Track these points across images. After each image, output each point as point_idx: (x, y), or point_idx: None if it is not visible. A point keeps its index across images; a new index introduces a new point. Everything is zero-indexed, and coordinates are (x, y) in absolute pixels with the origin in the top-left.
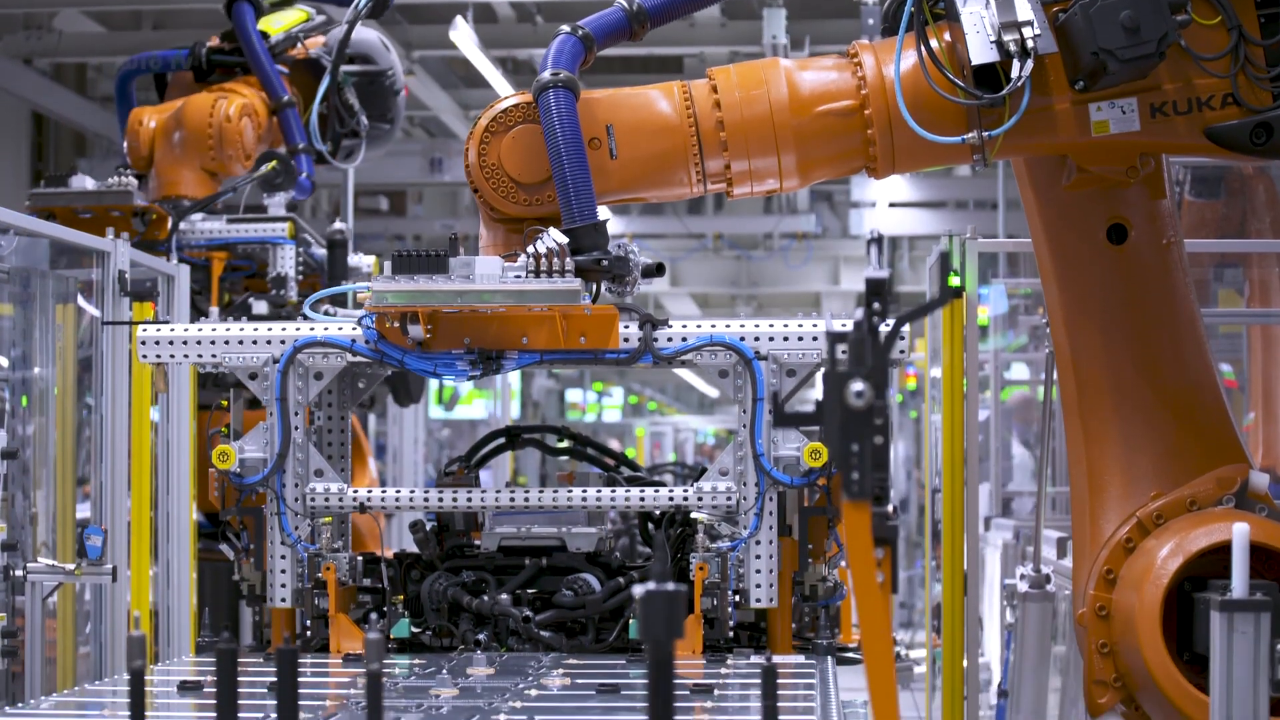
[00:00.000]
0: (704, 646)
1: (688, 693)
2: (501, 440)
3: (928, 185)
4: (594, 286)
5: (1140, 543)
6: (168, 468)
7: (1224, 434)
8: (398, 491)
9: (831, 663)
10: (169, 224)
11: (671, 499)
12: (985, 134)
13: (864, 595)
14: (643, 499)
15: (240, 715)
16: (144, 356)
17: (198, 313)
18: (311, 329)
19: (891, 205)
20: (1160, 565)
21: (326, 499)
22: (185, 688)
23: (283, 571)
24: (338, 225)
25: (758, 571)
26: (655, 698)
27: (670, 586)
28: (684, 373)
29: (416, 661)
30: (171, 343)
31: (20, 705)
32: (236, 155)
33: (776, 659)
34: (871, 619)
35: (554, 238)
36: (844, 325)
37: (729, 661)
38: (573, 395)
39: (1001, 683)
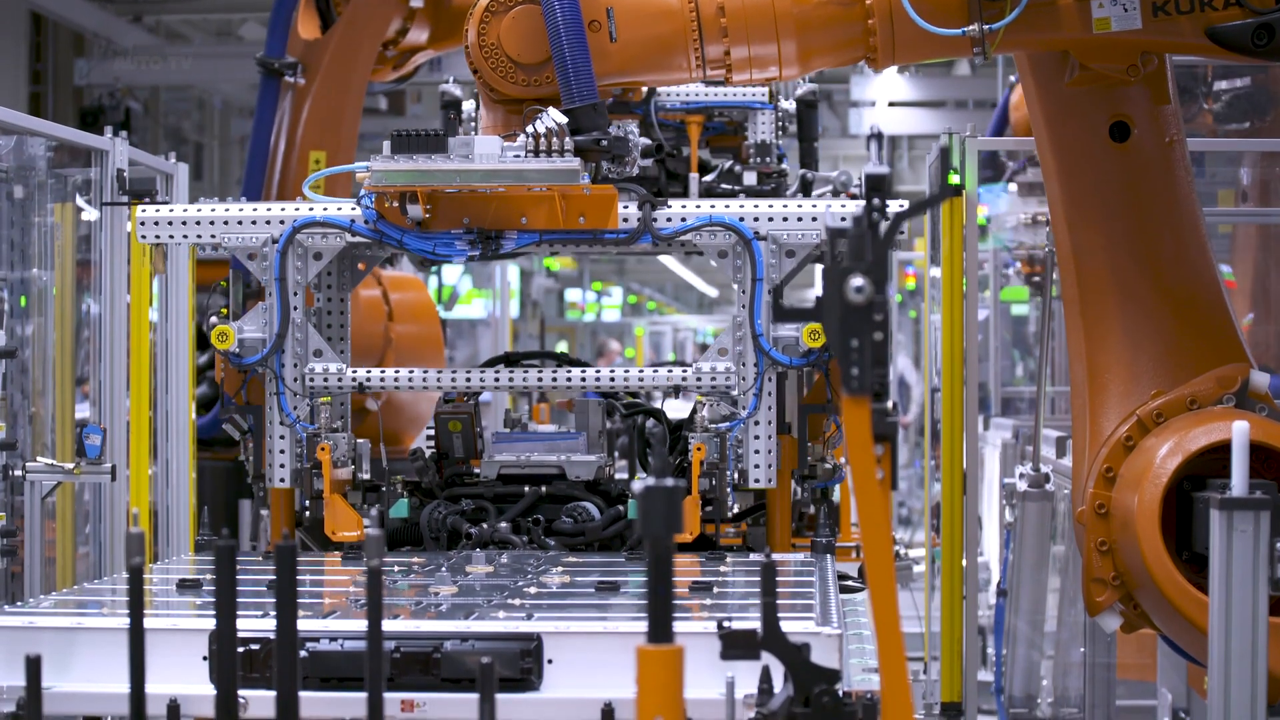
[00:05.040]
0: (701, 526)
1: (687, 590)
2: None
3: (927, 84)
4: (593, 167)
5: (1140, 441)
6: (167, 367)
7: (1225, 333)
8: (396, 373)
9: (831, 560)
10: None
11: (670, 379)
12: (986, 27)
13: (864, 492)
14: (641, 379)
15: (239, 612)
16: (143, 237)
17: (670, 176)
18: (310, 209)
19: (891, 104)
20: (1160, 464)
21: (325, 379)
22: (184, 585)
23: (282, 452)
24: (810, 86)
25: (756, 452)
26: (654, 595)
27: (669, 481)
28: (684, 271)
29: (416, 560)
30: (170, 223)
31: (19, 604)
32: None
33: (776, 556)
34: (871, 516)
35: (553, 117)
36: (843, 206)
37: (728, 559)
38: (572, 295)
39: (1000, 582)
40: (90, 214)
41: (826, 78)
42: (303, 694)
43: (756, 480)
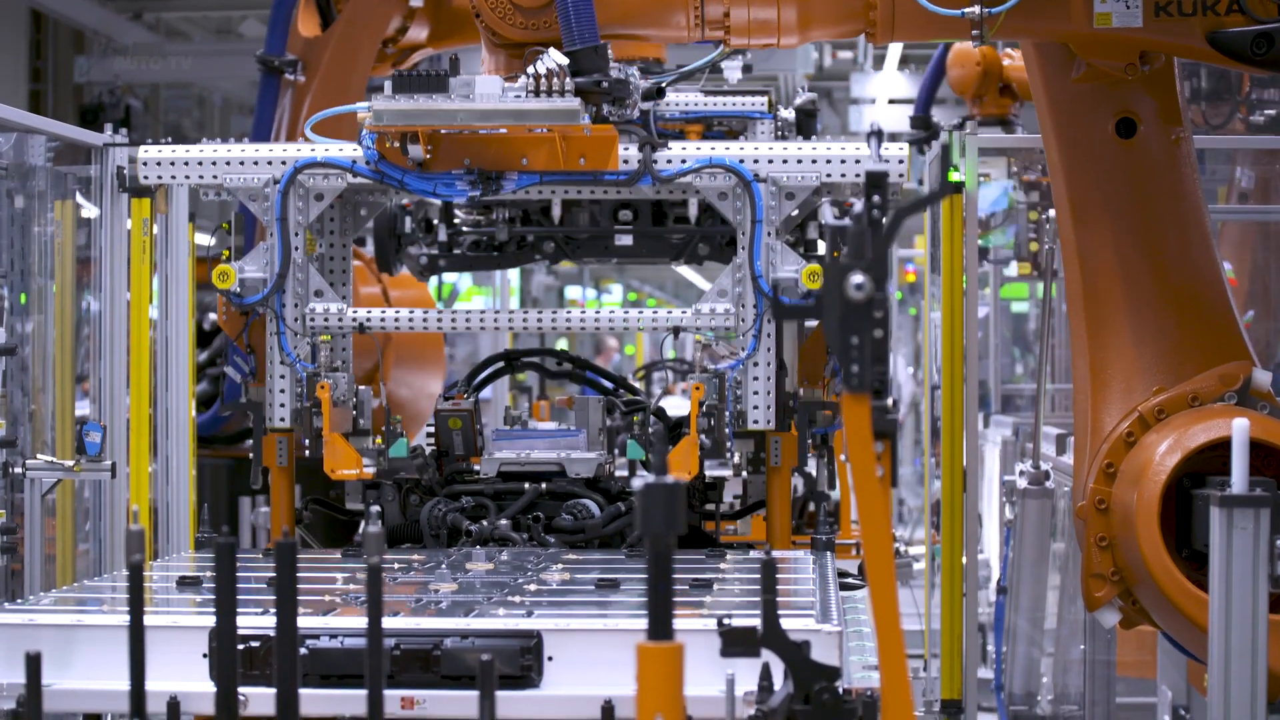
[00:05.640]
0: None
1: (687, 587)
2: (500, 364)
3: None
4: (594, 108)
5: (1141, 437)
6: (167, 364)
7: (1228, 330)
8: (397, 313)
9: (831, 557)
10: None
11: (670, 320)
12: (986, 10)
13: (864, 489)
14: (640, 320)
15: (239, 610)
16: (145, 177)
17: None
18: (312, 149)
19: (891, 102)
20: (1159, 461)
21: (326, 319)
22: (184, 582)
23: (282, 391)
24: (809, 95)
25: (755, 393)
26: (654, 592)
27: (669, 479)
28: (685, 270)
29: (416, 557)
30: (173, 164)
31: (19, 601)
32: None
33: (776, 554)
34: (871, 514)
35: (554, 58)
36: (842, 149)
37: (728, 556)
38: (572, 292)
39: (1000, 579)
40: (90, 211)
41: (827, 75)
42: (303, 691)
43: (755, 421)
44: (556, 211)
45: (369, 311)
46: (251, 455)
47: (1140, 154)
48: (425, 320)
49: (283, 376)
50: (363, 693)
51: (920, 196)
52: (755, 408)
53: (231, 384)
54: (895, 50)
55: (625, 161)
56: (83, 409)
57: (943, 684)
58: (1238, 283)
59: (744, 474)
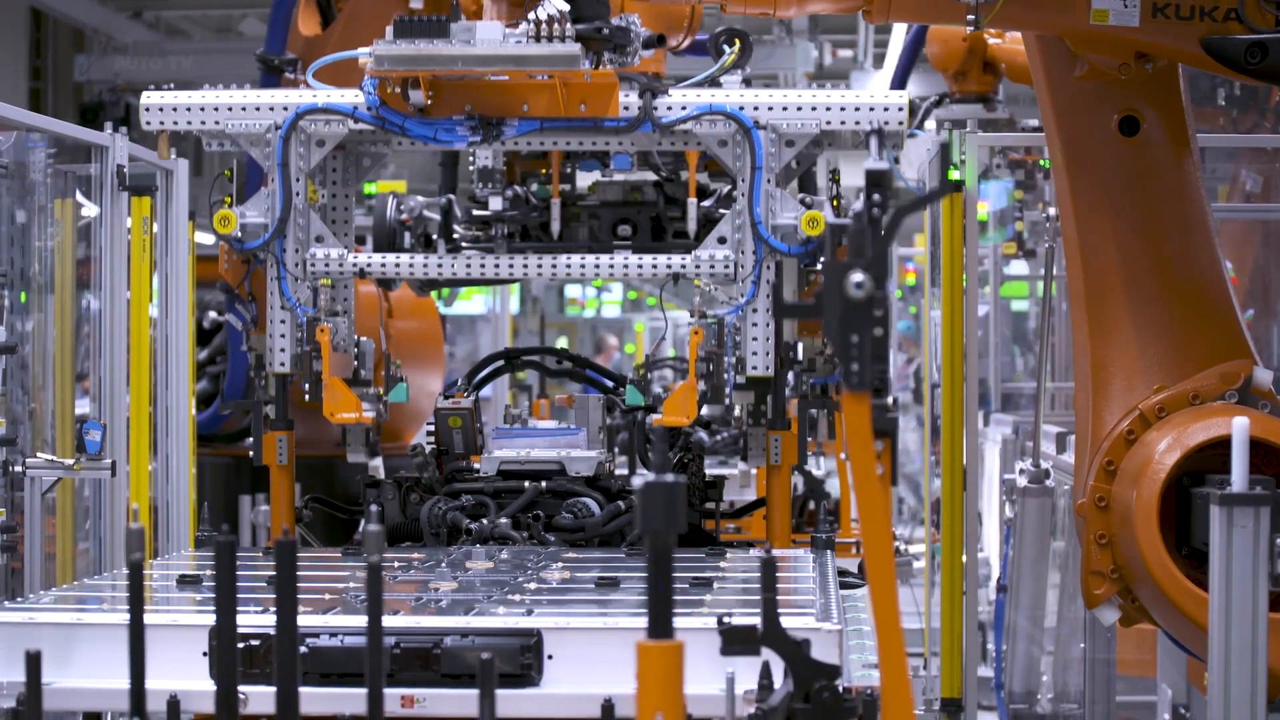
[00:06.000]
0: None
1: (687, 586)
2: (500, 363)
3: (928, 80)
4: (595, 56)
5: (1141, 435)
6: (166, 362)
7: (1230, 329)
8: (398, 258)
9: (831, 555)
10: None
11: (670, 266)
12: None
13: (864, 488)
14: (641, 268)
15: (239, 608)
16: (148, 123)
17: (669, 200)
18: (314, 95)
19: None
20: (1159, 459)
21: (327, 264)
22: (184, 581)
23: (282, 336)
24: None
25: (754, 339)
26: (654, 590)
27: (669, 478)
28: None
29: (415, 555)
30: (175, 109)
31: (20, 600)
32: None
33: (776, 552)
34: (871, 512)
35: (555, 4)
36: (843, 96)
37: (728, 554)
38: (572, 290)
39: (1000, 578)
40: (90, 210)
41: (827, 74)
42: (303, 690)
43: (754, 368)
44: (555, 226)
45: (369, 256)
46: (250, 414)
47: (1143, 152)
48: (426, 266)
49: (283, 322)
50: (363, 691)
51: (920, 195)
52: (754, 354)
53: (232, 382)
54: (895, 48)
55: (626, 109)
56: (83, 407)
57: (943, 682)
58: (1238, 281)
59: (744, 427)
